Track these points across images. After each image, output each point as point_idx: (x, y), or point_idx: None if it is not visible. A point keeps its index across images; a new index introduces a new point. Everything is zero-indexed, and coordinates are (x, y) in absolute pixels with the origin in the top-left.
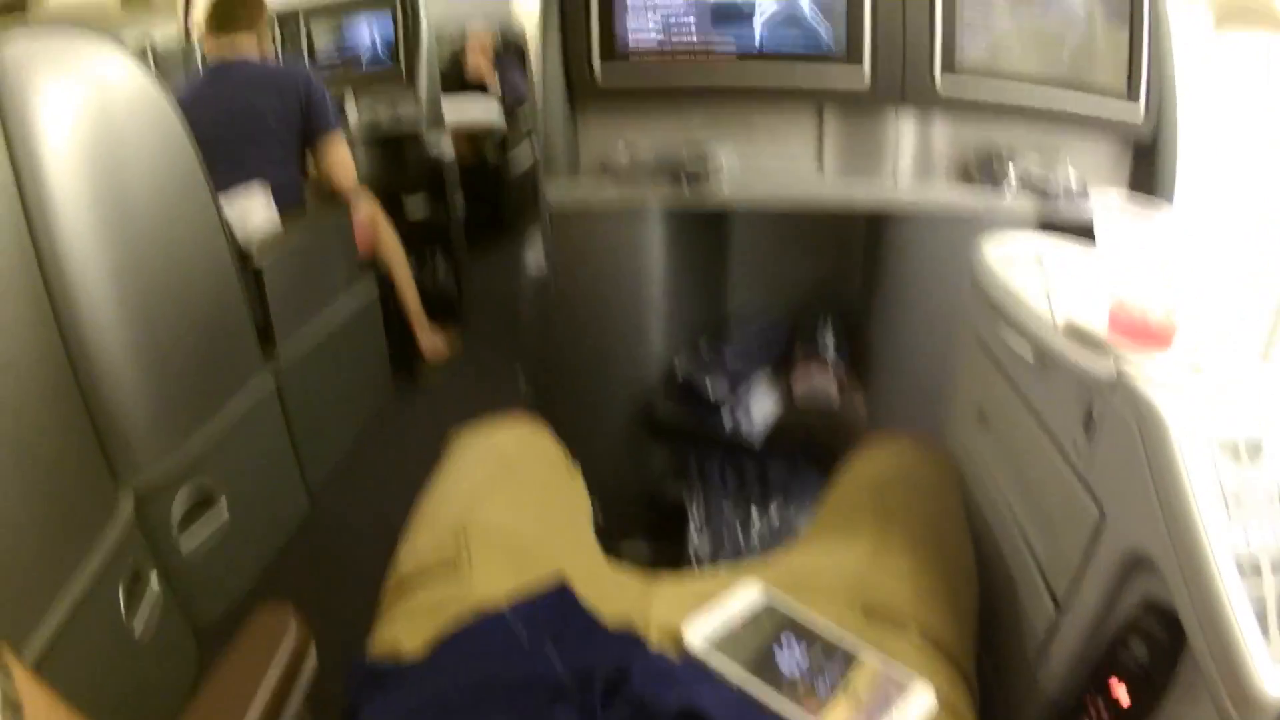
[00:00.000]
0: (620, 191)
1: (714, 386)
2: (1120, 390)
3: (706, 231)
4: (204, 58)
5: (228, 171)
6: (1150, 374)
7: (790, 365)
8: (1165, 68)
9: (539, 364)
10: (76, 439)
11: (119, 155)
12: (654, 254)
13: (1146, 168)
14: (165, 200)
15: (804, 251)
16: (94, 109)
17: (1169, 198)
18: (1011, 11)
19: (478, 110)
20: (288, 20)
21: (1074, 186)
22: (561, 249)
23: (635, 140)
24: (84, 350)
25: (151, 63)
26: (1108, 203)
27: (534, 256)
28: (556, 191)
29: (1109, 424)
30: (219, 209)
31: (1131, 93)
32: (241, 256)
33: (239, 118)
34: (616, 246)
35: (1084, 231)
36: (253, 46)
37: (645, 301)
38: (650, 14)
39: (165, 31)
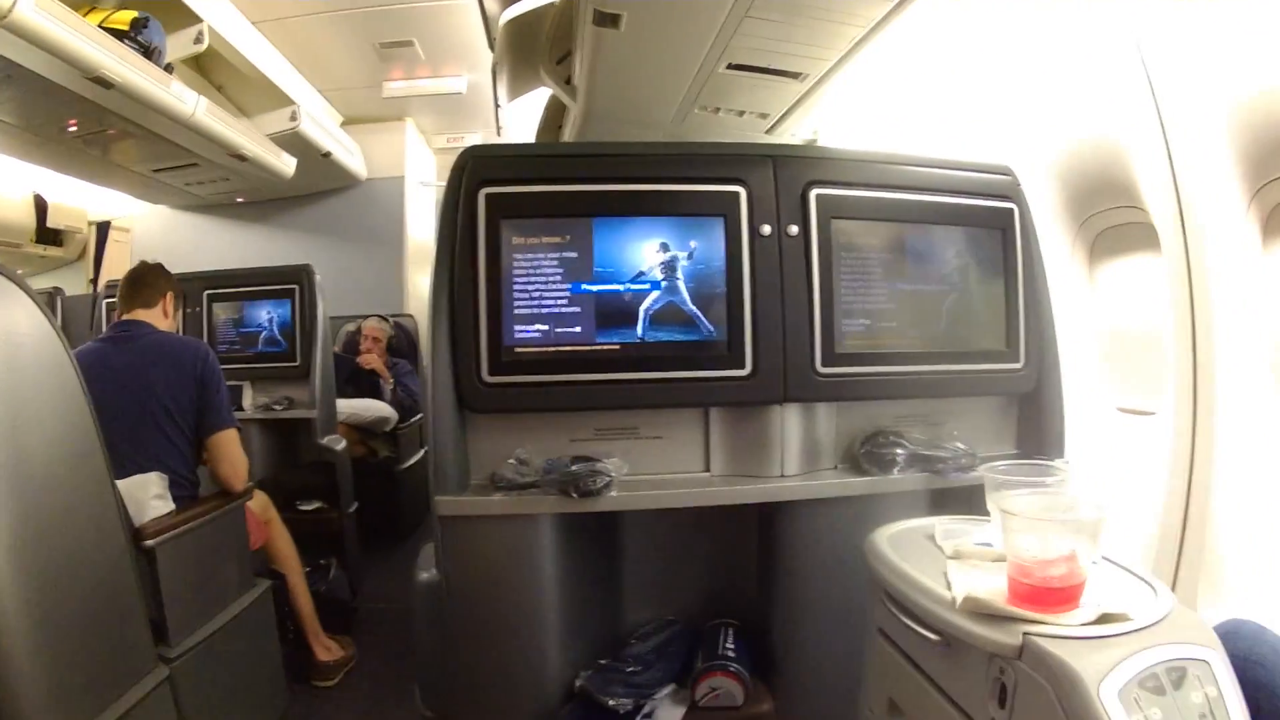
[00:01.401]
0: (510, 498)
1: (618, 703)
2: (1028, 656)
3: (599, 538)
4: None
5: (123, 451)
6: (1057, 632)
7: (693, 675)
8: (1044, 319)
9: (437, 677)
10: None
11: (18, 411)
12: (547, 561)
13: (1033, 419)
14: (61, 465)
15: (698, 555)
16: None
17: (1059, 447)
18: (889, 289)
19: (370, 410)
20: (191, 296)
21: (962, 454)
22: (453, 556)
23: (526, 447)
24: None
25: (60, 308)
26: (995, 471)
27: (428, 560)
28: (447, 498)
29: (1022, 692)
30: (114, 485)
31: (1012, 351)
32: (134, 537)
33: (136, 393)
34: (508, 552)
35: (977, 497)
36: (155, 318)
37: (541, 611)
38: (538, 322)
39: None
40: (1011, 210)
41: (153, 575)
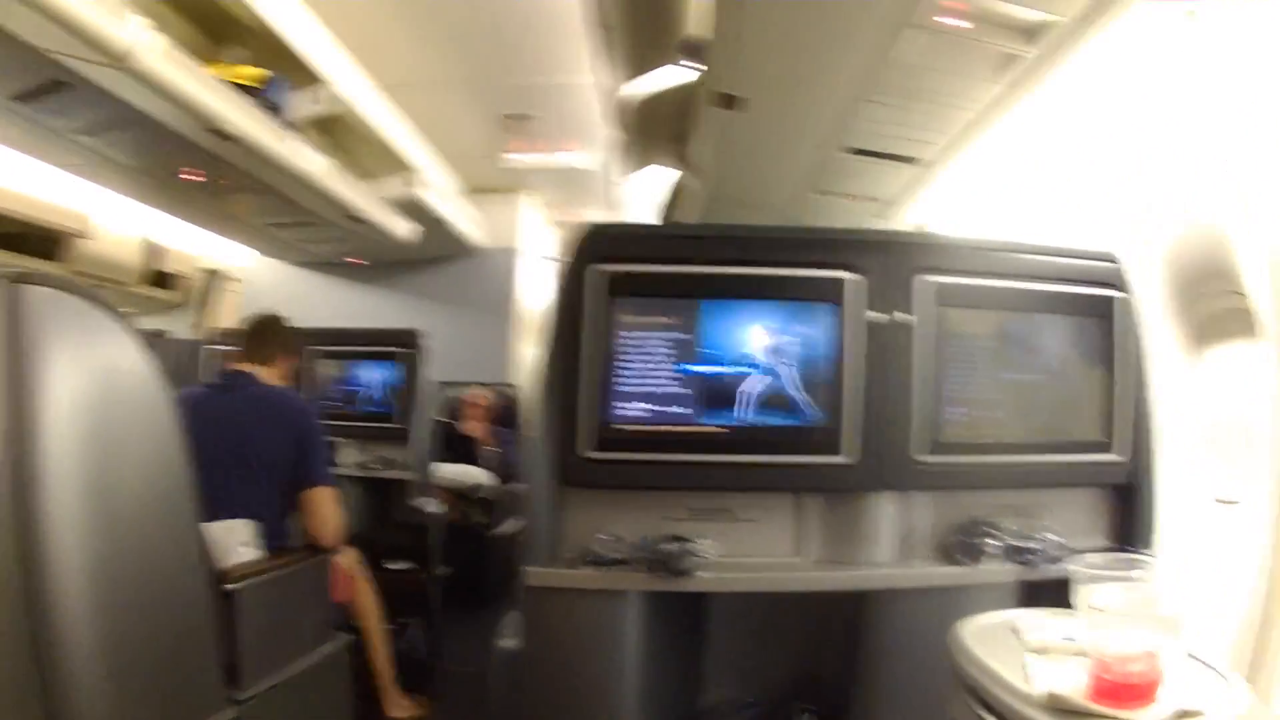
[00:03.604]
0: (599, 573)
1: None
2: None
3: (685, 617)
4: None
5: (214, 497)
6: None
7: None
8: (1144, 409)
9: None
10: None
11: (112, 445)
12: (631, 637)
13: (1127, 510)
14: (150, 502)
15: (782, 639)
16: (99, 393)
17: (1150, 540)
18: (990, 377)
19: (467, 476)
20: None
21: (1053, 545)
22: (538, 626)
23: (620, 524)
24: (51, 648)
25: (164, 350)
26: (1084, 565)
27: (510, 627)
28: (537, 569)
29: None
30: (202, 527)
31: (1109, 441)
32: (216, 580)
33: (233, 441)
34: (593, 626)
35: (1068, 590)
36: (268, 377)
37: (621, 686)
38: (642, 400)
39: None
40: (1115, 298)
41: (231, 618)
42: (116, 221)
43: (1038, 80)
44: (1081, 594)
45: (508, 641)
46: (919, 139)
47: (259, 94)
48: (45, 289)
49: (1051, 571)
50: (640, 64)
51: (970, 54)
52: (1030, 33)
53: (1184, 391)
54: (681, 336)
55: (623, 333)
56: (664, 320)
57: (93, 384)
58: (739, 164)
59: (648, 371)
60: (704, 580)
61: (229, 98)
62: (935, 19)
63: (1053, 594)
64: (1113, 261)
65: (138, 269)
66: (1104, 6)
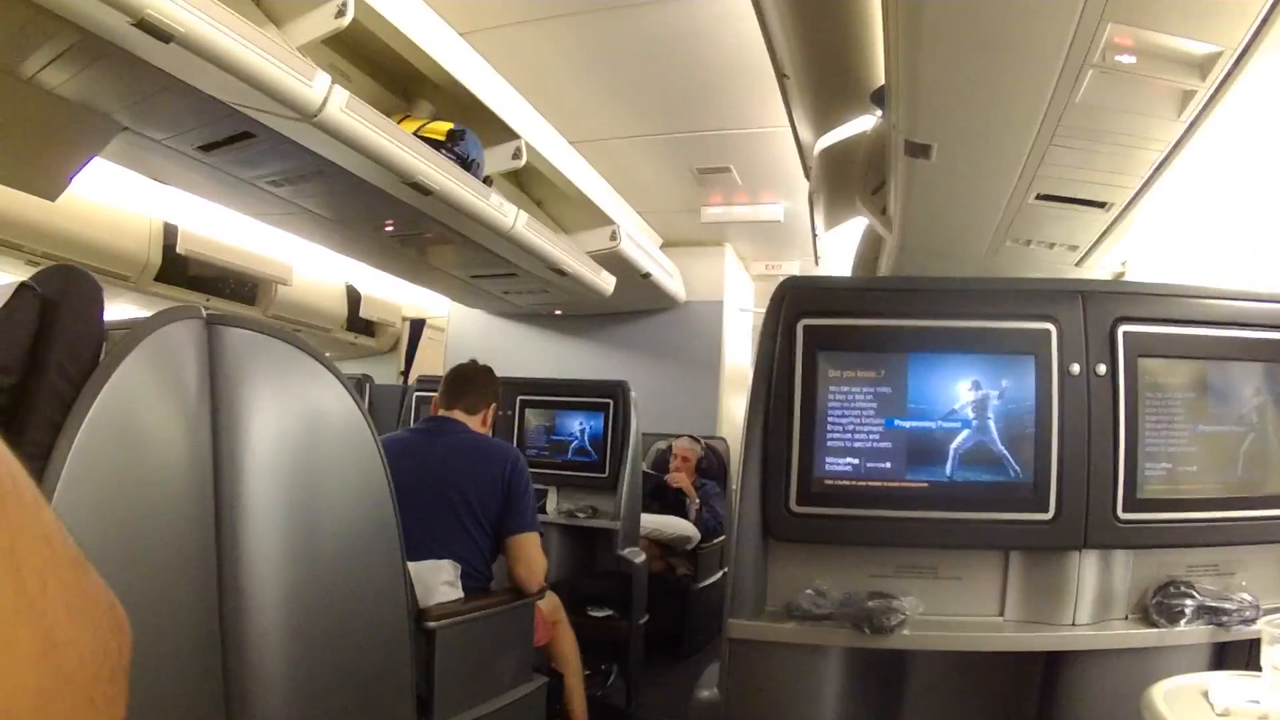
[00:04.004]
0: (803, 628)
1: None
2: None
3: (884, 674)
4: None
5: (419, 537)
6: None
7: None
8: None
9: None
10: None
11: (318, 484)
12: (830, 692)
13: None
14: (354, 538)
15: (978, 697)
16: (301, 430)
17: None
18: (1190, 431)
19: (673, 528)
20: (505, 399)
21: (1247, 606)
22: (738, 679)
23: (823, 578)
24: (243, 675)
25: (369, 394)
26: (1272, 625)
27: (710, 679)
28: (740, 621)
29: None
30: (405, 565)
31: None
32: (417, 616)
33: (439, 485)
34: (793, 681)
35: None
36: (472, 424)
37: None
38: (849, 456)
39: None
40: None
41: (429, 655)
42: (320, 271)
43: (1218, 115)
44: (1267, 655)
45: (707, 693)
46: (1108, 183)
47: (452, 148)
48: (242, 330)
49: (1245, 632)
50: (823, 112)
51: (1149, 92)
52: (1201, 66)
53: None
54: (885, 390)
55: (830, 387)
56: (870, 375)
57: (294, 422)
58: (933, 214)
59: (852, 425)
60: (906, 638)
61: (425, 152)
62: (1112, 58)
63: (1247, 654)
64: None
65: (340, 316)
66: (1264, 33)
